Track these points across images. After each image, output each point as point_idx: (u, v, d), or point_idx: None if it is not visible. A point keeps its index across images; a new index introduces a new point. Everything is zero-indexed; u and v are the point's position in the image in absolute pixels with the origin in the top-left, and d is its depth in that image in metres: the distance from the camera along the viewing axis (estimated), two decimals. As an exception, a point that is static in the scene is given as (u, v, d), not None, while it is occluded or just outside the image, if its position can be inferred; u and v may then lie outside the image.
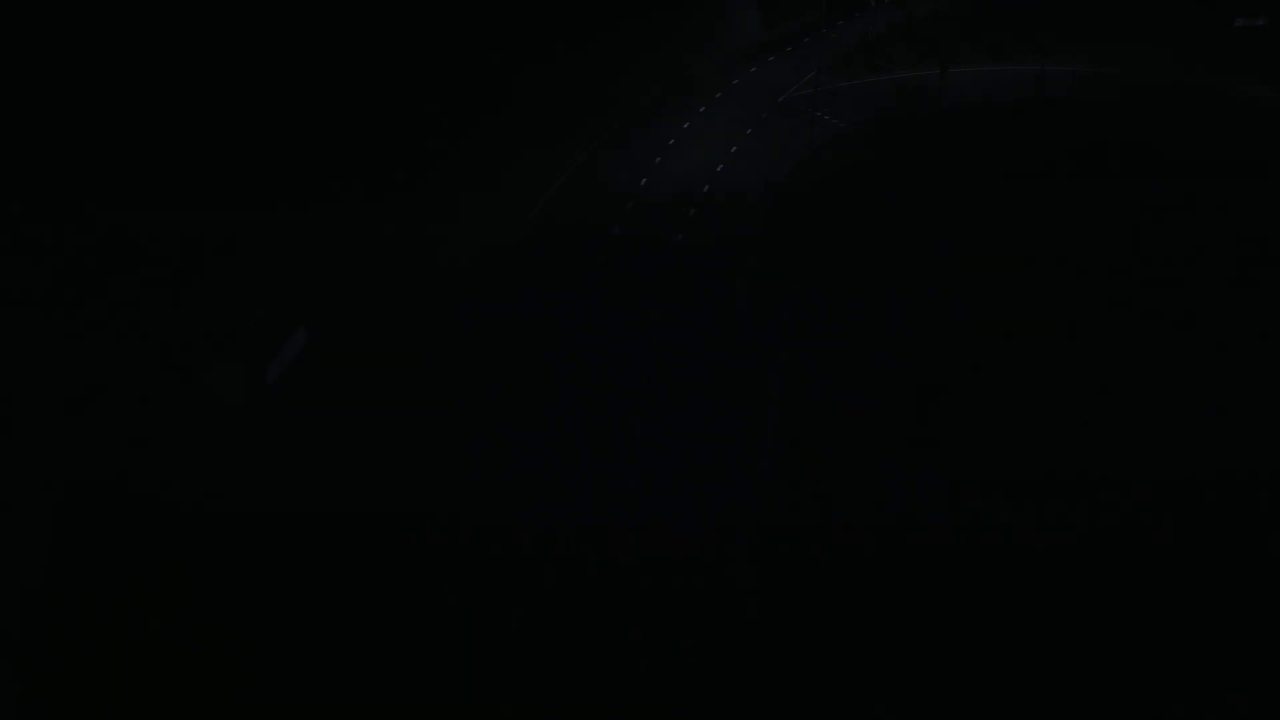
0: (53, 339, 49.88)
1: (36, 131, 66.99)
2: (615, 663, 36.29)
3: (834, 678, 36.54)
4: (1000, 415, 50.53)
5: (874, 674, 36.70)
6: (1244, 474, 47.14)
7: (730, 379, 51.54)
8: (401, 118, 73.77)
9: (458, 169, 68.47)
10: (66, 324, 50.96)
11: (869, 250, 63.06)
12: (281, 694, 35.07)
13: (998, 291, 59.73)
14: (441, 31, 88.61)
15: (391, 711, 34.38)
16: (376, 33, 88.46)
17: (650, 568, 40.27)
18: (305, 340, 52.18)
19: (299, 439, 45.79)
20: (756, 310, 56.45)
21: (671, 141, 75.18)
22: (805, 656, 37.35)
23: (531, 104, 77.63)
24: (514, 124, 74.57)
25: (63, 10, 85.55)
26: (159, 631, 36.93)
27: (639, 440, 47.12)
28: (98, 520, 41.07)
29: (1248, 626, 39.02)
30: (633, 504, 43.56)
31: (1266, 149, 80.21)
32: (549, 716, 34.64)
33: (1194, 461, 47.87)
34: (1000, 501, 45.31)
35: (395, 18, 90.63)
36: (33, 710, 34.44)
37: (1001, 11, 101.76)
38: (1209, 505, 45.16)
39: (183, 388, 47.88)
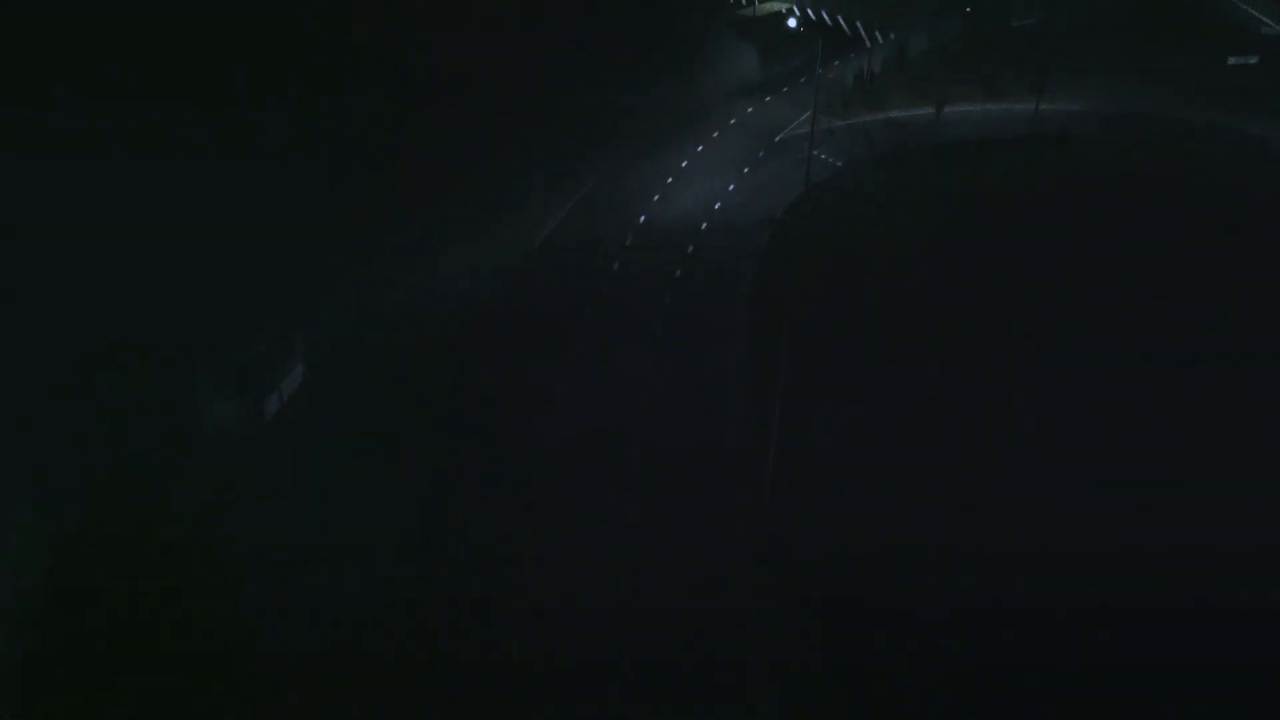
0: (56, 366, 50.08)
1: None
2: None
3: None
4: (1000, 440, 50.65)
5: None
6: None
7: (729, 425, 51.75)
8: (407, 150, 74.20)
9: (459, 203, 68.77)
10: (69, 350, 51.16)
11: (867, 287, 63.34)
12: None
13: (997, 325, 60.01)
14: (445, 66, 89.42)
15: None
16: (381, 72, 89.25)
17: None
18: (304, 374, 52.32)
19: (295, 470, 45.81)
20: (755, 348, 56.67)
21: (670, 179, 75.62)
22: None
23: (531, 141, 78.08)
24: (513, 161, 74.95)
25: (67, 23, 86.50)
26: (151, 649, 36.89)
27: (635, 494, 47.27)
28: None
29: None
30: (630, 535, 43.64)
31: (1262, 183, 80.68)
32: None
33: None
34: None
35: (401, 65, 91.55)
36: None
37: (997, 50, 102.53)
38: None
39: (183, 419, 48.01)
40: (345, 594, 39.80)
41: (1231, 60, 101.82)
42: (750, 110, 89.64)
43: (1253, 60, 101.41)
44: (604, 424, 50.43)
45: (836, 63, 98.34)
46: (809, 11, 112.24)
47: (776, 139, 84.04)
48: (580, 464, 47.74)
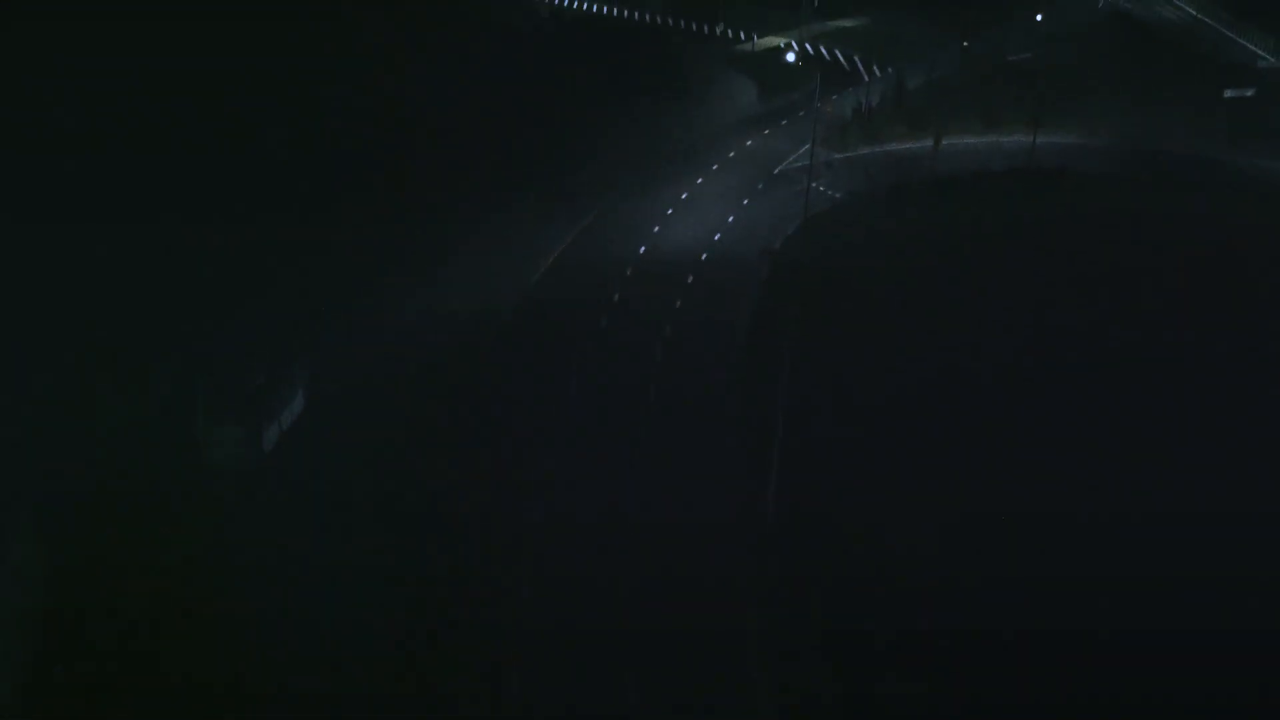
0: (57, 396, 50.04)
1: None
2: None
3: None
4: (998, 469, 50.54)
5: None
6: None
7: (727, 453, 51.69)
8: (410, 182, 74.49)
9: (461, 233, 68.93)
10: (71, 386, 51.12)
11: (866, 316, 63.42)
12: None
13: (996, 358, 60.06)
14: (449, 100, 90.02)
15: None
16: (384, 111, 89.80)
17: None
18: (303, 405, 52.18)
19: (294, 502, 45.63)
20: (756, 377, 56.63)
21: (670, 211, 75.90)
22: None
23: (533, 173, 78.48)
24: (516, 192, 75.35)
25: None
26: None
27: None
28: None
29: None
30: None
31: (1259, 214, 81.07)
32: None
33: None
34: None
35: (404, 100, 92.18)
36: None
37: (994, 83, 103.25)
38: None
39: (183, 451, 47.88)
40: (341, 623, 39.59)
41: (1228, 93, 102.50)
42: (749, 143, 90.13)
43: (1249, 93, 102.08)
44: (602, 460, 50.25)
45: (834, 97, 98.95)
46: (807, 46, 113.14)
47: (775, 171, 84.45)
48: (579, 505, 47.57)
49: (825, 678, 39.05)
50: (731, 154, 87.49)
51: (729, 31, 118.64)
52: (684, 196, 78.44)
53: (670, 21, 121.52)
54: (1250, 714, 39.23)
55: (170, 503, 45.26)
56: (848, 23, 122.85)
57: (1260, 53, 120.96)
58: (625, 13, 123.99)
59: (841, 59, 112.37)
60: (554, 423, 52.05)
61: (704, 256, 69.54)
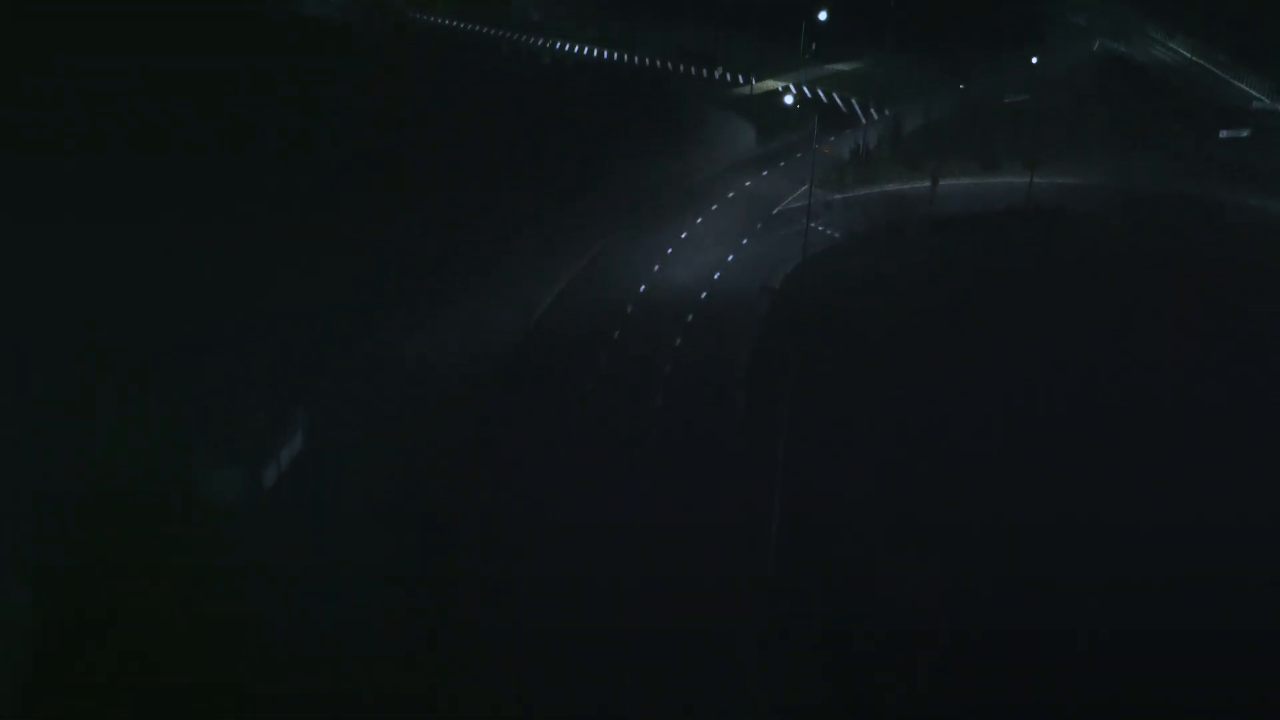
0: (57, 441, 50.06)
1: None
2: None
3: None
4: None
5: None
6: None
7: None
8: (410, 221, 74.93)
9: (462, 274, 69.21)
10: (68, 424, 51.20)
11: (865, 354, 63.54)
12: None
13: (996, 395, 60.16)
14: (449, 142, 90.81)
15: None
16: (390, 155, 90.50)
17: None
18: (303, 444, 52.16)
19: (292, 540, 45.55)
20: (755, 415, 56.72)
21: (670, 249, 76.24)
22: None
23: (535, 213, 78.95)
24: (517, 230, 75.77)
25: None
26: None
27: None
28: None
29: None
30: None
31: (1254, 252, 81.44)
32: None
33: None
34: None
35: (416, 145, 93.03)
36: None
37: (991, 125, 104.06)
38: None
39: (181, 488, 47.84)
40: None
41: (1223, 134, 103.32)
42: (748, 184, 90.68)
43: (1244, 133, 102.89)
44: (600, 491, 50.29)
45: (832, 138, 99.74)
46: (805, 89, 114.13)
47: (774, 211, 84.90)
48: (577, 536, 47.55)
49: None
50: (731, 194, 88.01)
51: (727, 75, 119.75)
52: (684, 236, 78.82)
53: (670, 65, 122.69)
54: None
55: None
56: (845, 66, 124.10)
57: (1255, 94, 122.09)
58: (624, 57, 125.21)
59: (839, 101, 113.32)
60: (554, 457, 52.07)
61: (704, 295, 69.81)
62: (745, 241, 78.57)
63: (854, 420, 56.94)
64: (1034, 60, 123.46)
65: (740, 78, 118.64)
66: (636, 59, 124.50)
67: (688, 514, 48.78)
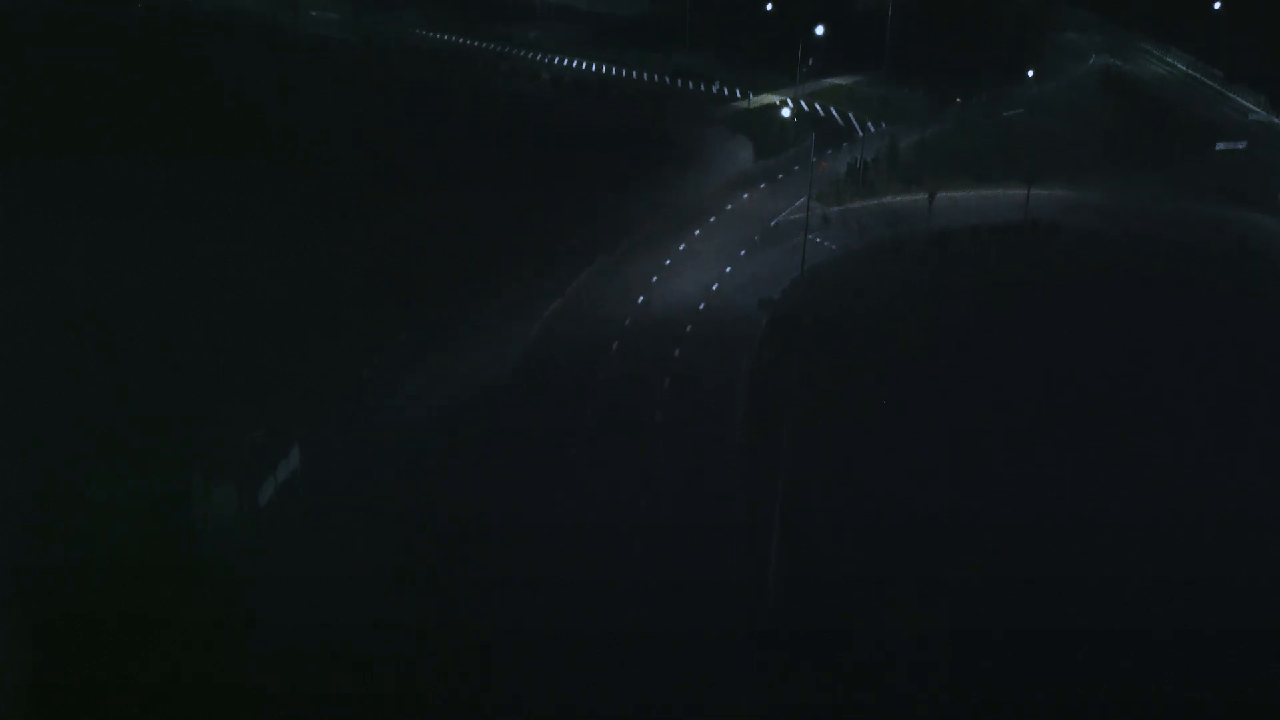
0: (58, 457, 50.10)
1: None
2: None
3: None
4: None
5: None
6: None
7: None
8: (406, 244, 75.08)
9: (461, 288, 69.28)
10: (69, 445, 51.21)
11: (863, 369, 63.62)
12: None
13: (994, 410, 60.24)
14: (445, 163, 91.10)
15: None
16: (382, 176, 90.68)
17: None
18: (299, 463, 51.86)
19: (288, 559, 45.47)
20: (753, 429, 56.78)
21: (668, 262, 76.36)
22: None
23: (532, 227, 79.11)
24: (514, 245, 75.87)
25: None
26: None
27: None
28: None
29: None
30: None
31: (1251, 265, 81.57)
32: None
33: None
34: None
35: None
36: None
37: (987, 139, 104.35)
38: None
39: (181, 506, 47.83)
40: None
41: (1220, 146, 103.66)
42: (745, 198, 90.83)
43: (1240, 145, 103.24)
44: (600, 497, 50.34)
45: (830, 153, 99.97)
46: (802, 104, 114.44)
47: (772, 224, 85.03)
48: (577, 539, 47.57)
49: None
50: (729, 207, 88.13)
51: (725, 90, 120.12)
52: (681, 249, 78.92)
53: (668, 81, 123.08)
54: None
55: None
56: (842, 81, 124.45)
57: (1251, 107, 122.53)
58: (622, 73, 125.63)
59: (836, 116, 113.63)
60: (553, 473, 52.11)
61: (701, 306, 69.89)
62: (743, 254, 78.69)
63: (853, 429, 57.02)
64: (1030, 75, 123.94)
65: (738, 92, 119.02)
66: (634, 74, 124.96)
67: (688, 515, 48.99)
